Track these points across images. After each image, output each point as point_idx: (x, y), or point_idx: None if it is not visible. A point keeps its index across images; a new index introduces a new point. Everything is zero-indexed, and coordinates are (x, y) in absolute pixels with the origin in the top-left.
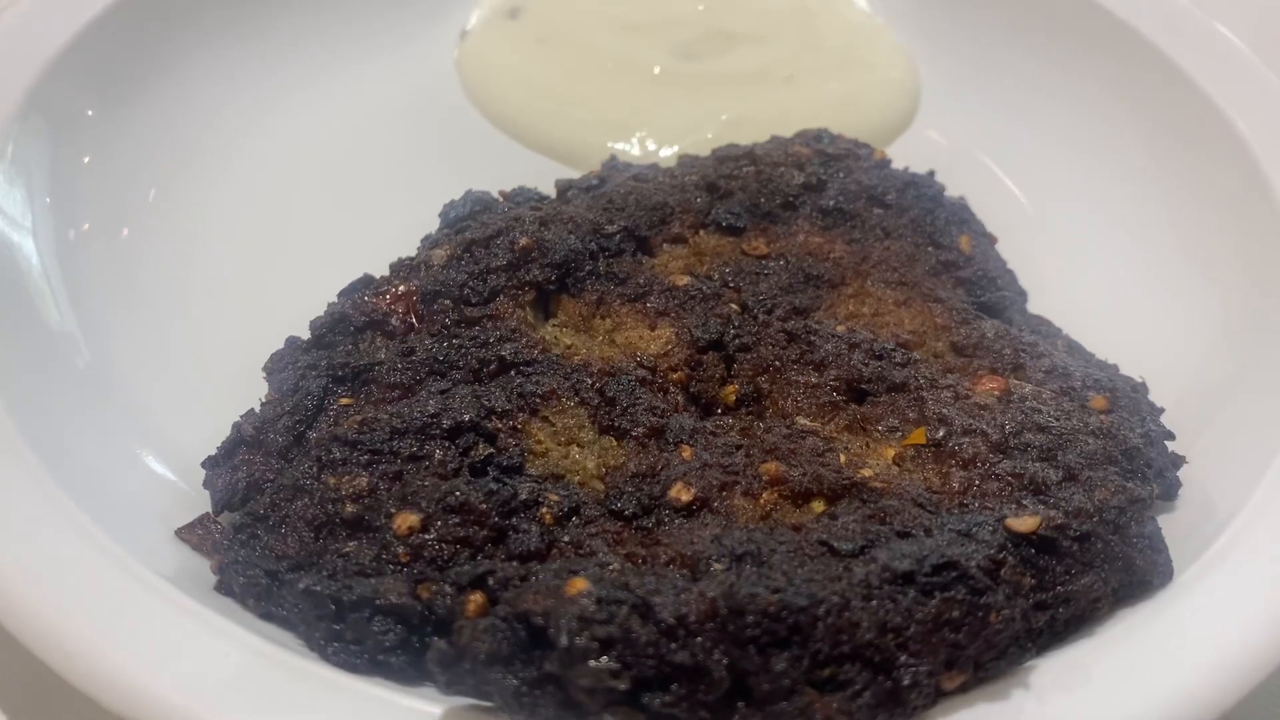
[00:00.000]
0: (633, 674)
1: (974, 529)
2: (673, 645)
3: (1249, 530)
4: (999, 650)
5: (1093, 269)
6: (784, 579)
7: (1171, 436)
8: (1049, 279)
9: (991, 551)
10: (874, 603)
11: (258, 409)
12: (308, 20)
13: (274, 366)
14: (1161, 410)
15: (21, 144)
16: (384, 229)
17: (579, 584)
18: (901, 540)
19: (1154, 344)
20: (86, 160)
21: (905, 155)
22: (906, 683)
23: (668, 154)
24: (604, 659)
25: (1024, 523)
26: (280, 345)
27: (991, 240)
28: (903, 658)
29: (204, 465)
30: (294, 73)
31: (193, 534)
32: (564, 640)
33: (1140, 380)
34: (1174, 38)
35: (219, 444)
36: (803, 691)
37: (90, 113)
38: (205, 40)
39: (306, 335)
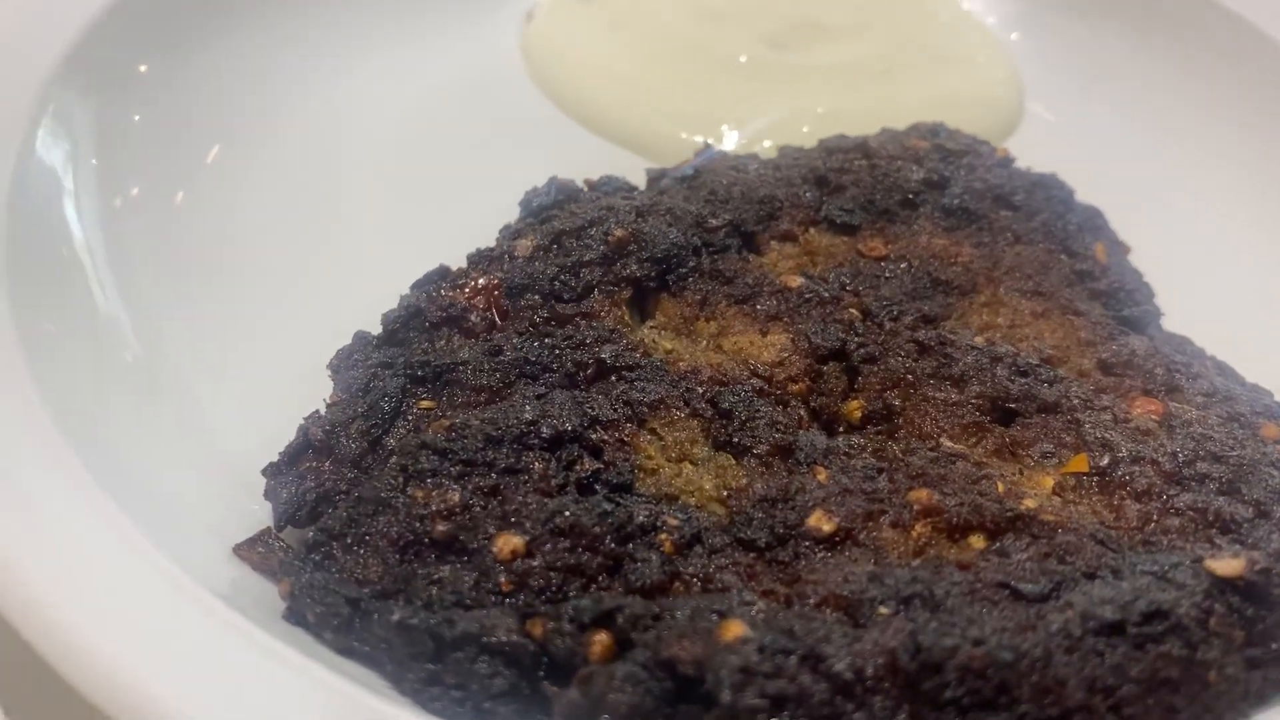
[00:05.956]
0: None
1: (1169, 571)
2: (849, 705)
3: None
4: (1216, 715)
5: (1226, 286)
6: (976, 628)
7: None
8: (1177, 296)
9: (1198, 598)
10: (1077, 656)
11: (323, 410)
12: None
13: (341, 364)
14: None
15: (64, 100)
16: (452, 216)
17: (735, 628)
18: (1091, 582)
19: None
20: (137, 119)
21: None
22: None
23: (759, 147)
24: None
25: (1227, 565)
26: (346, 340)
27: (1125, 250)
28: None
29: (265, 473)
30: (356, 47)
31: (253, 552)
32: (726, 696)
33: None
34: None
35: (281, 449)
36: None
37: (143, 69)
38: (270, 6)
39: (375, 330)
